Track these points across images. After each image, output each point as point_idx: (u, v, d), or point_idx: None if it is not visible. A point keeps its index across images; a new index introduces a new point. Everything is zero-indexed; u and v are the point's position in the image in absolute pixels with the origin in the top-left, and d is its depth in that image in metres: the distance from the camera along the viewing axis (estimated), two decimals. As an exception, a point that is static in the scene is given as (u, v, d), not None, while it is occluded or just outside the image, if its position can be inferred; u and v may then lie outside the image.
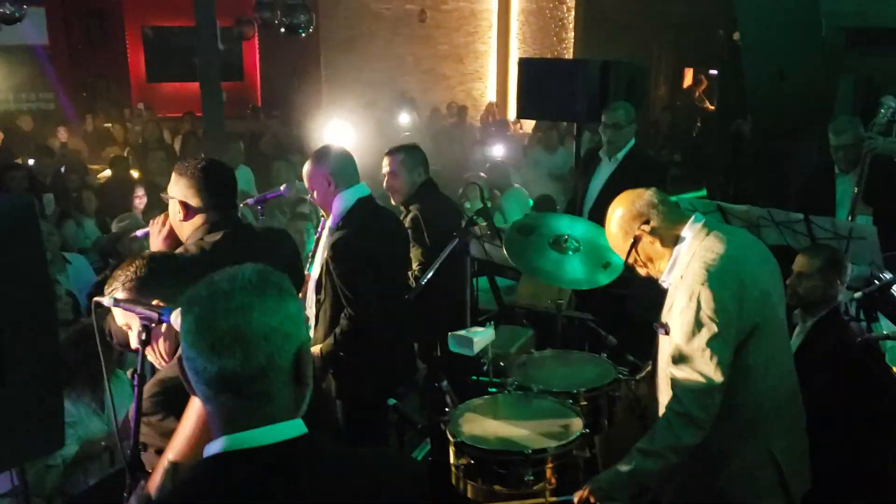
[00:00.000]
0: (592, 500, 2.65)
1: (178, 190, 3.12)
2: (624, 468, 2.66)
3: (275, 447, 1.42)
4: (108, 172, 9.32)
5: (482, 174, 8.05)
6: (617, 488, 2.64)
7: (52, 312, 1.93)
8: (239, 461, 1.41)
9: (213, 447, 1.44)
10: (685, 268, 2.71)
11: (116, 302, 2.26)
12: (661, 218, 2.77)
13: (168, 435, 2.11)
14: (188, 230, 3.13)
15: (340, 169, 3.70)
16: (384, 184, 4.42)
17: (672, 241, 2.77)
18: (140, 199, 7.64)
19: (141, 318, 2.18)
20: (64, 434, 1.91)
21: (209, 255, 2.99)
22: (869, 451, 3.69)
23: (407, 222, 4.21)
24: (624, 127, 5.21)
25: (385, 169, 4.39)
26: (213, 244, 3.03)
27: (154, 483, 1.86)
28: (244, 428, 1.42)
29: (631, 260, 2.86)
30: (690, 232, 2.75)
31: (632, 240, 2.80)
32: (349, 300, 3.56)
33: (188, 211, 3.10)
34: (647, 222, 2.77)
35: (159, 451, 2.07)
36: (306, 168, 3.77)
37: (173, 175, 3.14)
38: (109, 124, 13.29)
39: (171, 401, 2.08)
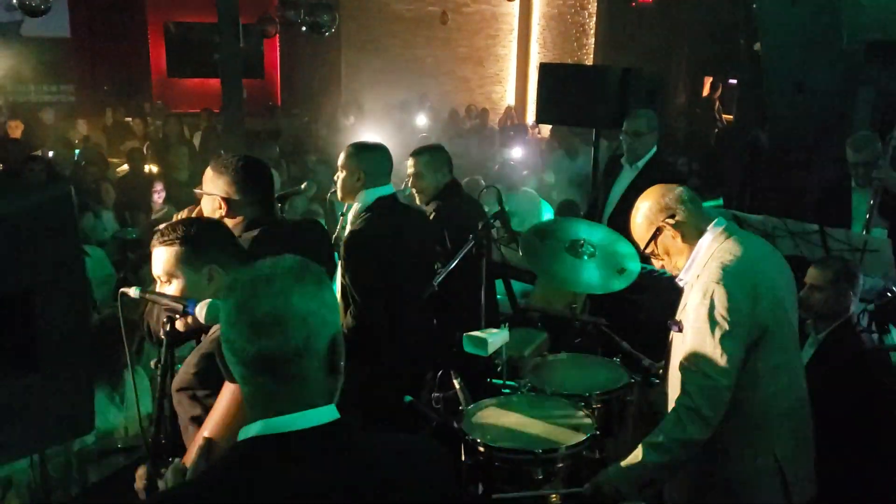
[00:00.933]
0: (603, 491, 2.70)
1: (219, 186, 3.11)
2: (632, 461, 2.72)
3: (309, 432, 1.46)
4: (126, 167, 9.42)
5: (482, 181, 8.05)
6: (624, 481, 2.70)
7: (86, 301, 1.98)
8: (274, 445, 1.45)
9: (249, 430, 1.48)
10: (702, 267, 2.77)
11: (143, 294, 2.32)
12: (686, 214, 2.84)
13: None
14: (229, 226, 3.09)
15: (370, 166, 3.76)
16: (409, 184, 4.45)
17: (693, 239, 2.84)
18: (159, 194, 7.73)
19: (166, 310, 2.23)
20: (94, 418, 1.96)
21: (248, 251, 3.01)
22: (878, 462, 3.71)
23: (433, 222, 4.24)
24: (645, 135, 5.22)
25: (410, 170, 4.42)
26: (252, 239, 3.03)
27: (190, 458, 1.90)
28: (280, 412, 1.46)
29: (649, 250, 2.93)
30: (711, 234, 2.82)
31: (654, 230, 2.87)
32: (353, 299, 3.61)
33: (230, 207, 3.09)
34: (672, 216, 2.84)
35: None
36: (343, 154, 3.85)
37: (211, 172, 3.13)
38: (129, 118, 13.40)
39: (213, 374, 2.12)
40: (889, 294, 4.10)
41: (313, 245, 3.41)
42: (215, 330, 2.28)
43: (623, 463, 2.74)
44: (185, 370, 2.23)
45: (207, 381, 2.11)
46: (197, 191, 3.20)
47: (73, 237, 1.93)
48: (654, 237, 2.88)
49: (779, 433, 2.83)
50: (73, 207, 1.98)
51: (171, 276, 2.32)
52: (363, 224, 3.68)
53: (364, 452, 1.53)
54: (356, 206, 3.78)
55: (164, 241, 2.32)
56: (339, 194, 3.87)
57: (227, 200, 3.09)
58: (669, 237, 2.86)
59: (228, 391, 1.89)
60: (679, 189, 2.91)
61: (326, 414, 1.50)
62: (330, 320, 1.51)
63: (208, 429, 1.92)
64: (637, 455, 2.71)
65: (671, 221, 2.84)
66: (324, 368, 1.50)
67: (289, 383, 1.47)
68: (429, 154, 4.41)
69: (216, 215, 3.10)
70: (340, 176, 3.83)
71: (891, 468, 3.72)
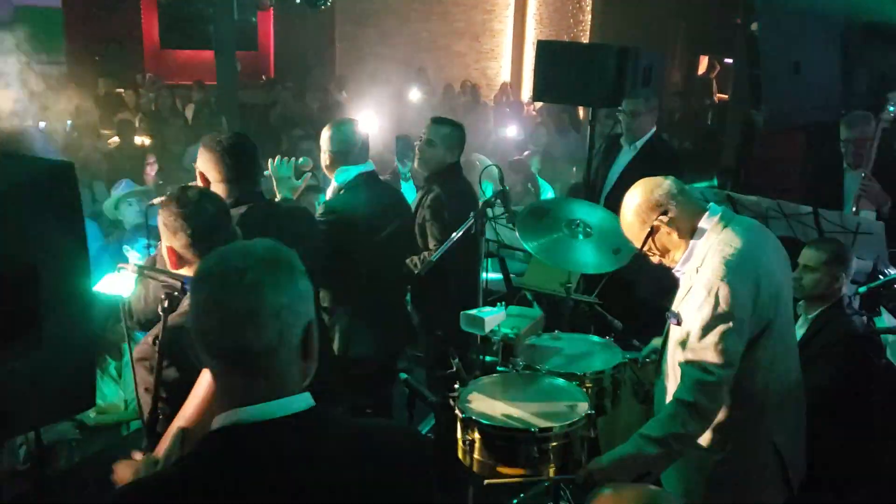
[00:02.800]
0: (596, 479, 2.69)
1: (202, 162, 3.20)
2: (627, 451, 2.71)
3: (284, 421, 1.44)
4: (116, 139, 9.36)
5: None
6: (619, 471, 2.69)
7: (88, 276, 1.98)
8: (248, 435, 1.43)
9: (222, 420, 1.45)
10: (701, 260, 2.74)
11: (141, 270, 2.33)
12: (679, 209, 2.78)
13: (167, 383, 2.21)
14: None
15: (339, 145, 3.82)
16: (417, 147, 4.43)
17: (688, 232, 2.80)
18: (151, 167, 7.70)
19: (164, 286, 2.24)
20: (95, 394, 1.97)
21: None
22: (866, 442, 3.76)
23: (428, 200, 4.24)
24: (642, 115, 5.23)
25: (424, 134, 4.38)
26: (239, 216, 3.07)
27: (162, 448, 1.91)
28: (253, 401, 1.44)
29: (646, 249, 2.88)
30: (707, 224, 2.78)
31: (648, 230, 2.81)
32: (323, 276, 3.63)
33: (209, 184, 3.17)
34: (665, 213, 2.78)
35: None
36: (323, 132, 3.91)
37: (201, 148, 3.21)
38: (121, 90, 13.27)
39: (173, 346, 2.15)
40: (881, 276, 4.14)
41: (297, 227, 3.42)
42: (183, 307, 2.31)
43: (617, 452, 2.73)
44: (145, 340, 2.28)
45: (166, 354, 2.16)
46: (195, 164, 3.27)
47: (77, 212, 1.93)
48: (650, 236, 2.83)
49: (777, 420, 2.85)
50: (76, 182, 1.99)
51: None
52: (331, 204, 3.73)
53: (339, 439, 1.51)
54: (333, 183, 3.83)
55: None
56: (319, 170, 3.93)
57: (203, 177, 3.19)
58: (665, 234, 2.81)
59: (205, 381, 1.90)
60: (667, 183, 2.83)
61: (300, 402, 1.48)
62: (303, 311, 1.48)
63: (183, 418, 1.92)
64: (632, 446, 2.71)
65: (665, 219, 2.78)
66: (298, 359, 1.49)
67: (262, 376, 1.45)
68: (450, 128, 4.38)
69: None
70: (321, 153, 3.88)
71: (877, 447, 3.78)
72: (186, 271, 2.43)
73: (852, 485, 3.75)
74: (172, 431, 1.91)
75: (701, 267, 2.73)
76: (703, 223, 2.79)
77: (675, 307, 2.86)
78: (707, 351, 2.66)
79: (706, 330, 2.65)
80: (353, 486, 1.48)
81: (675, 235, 2.80)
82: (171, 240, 2.43)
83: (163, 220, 2.45)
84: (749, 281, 2.67)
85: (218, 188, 3.15)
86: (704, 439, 2.81)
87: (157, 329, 2.23)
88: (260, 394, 1.44)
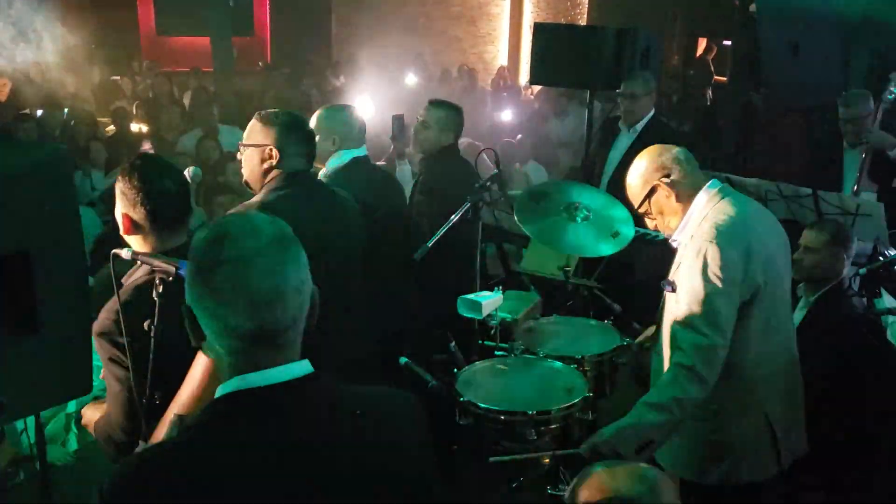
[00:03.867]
0: (600, 451, 2.69)
1: (270, 136, 3.11)
2: (629, 421, 2.72)
3: (286, 385, 1.47)
4: (113, 127, 9.31)
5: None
6: (622, 441, 2.68)
7: (84, 262, 1.98)
8: (252, 400, 1.45)
9: (224, 388, 1.48)
10: (696, 228, 2.78)
11: (135, 255, 2.31)
12: (681, 174, 2.85)
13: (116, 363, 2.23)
14: (271, 177, 3.14)
15: (343, 129, 3.80)
16: (414, 129, 4.40)
17: (687, 199, 2.85)
18: (148, 154, 7.66)
19: (158, 271, 2.22)
20: (92, 378, 1.96)
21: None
22: (865, 423, 3.76)
23: (420, 184, 4.22)
24: (641, 97, 5.18)
25: (420, 116, 4.36)
26: (271, 191, 3.09)
27: (159, 436, 1.89)
28: (258, 369, 1.47)
29: (643, 209, 2.93)
30: (706, 194, 2.83)
31: (649, 189, 2.87)
32: None
33: (281, 156, 3.11)
34: (667, 175, 2.85)
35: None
36: (315, 118, 3.87)
37: (259, 124, 3.14)
38: (118, 77, 13.22)
39: (133, 321, 2.16)
40: (881, 258, 4.13)
41: (335, 214, 3.33)
42: (138, 276, 2.35)
43: (620, 423, 2.73)
44: (104, 316, 2.28)
45: (127, 328, 2.16)
46: (241, 144, 3.21)
47: (71, 197, 1.92)
48: (649, 196, 2.89)
49: (769, 393, 2.86)
50: (70, 167, 1.98)
51: None
52: (333, 182, 3.70)
53: (340, 403, 1.54)
54: (326, 168, 3.78)
55: None
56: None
57: (279, 150, 3.11)
58: (664, 196, 2.87)
59: (200, 366, 1.88)
60: (676, 149, 2.91)
61: (301, 368, 1.51)
62: (311, 281, 1.53)
63: (178, 405, 1.91)
64: (634, 415, 2.72)
65: (666, 181, 2.85)
66: (304, 329, 1.53)
67: (281, 348, 1.48)
68: (445, 110, 4.34)
69: (263, 167, 3.13)
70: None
71: (878, 429, 3.78)
72: (137, 240, 2.46)
73: (847, 465, 3.76)
74: (169, 418, 1.90)
75: (694, 234, 2.77)
76: (703, 193, 2.84)
77: (671, 276, 2.88)
78: (699, 314, 2.68)
79: (697, 293, 2.69)
80: (355, 448, 1.50)
81: (673, 199, 2.86)
82: (128, 209, 2.44)
83: (122, 189, 2.44)
84: (740, 246, 2.69)
85: (280, 162, 3.11)
86: (698, 410, 2.81)
87: (115, 303, 2.24)
88: (269, 362, 1.47)
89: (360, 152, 3.81)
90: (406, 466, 1.58)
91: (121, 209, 2.47)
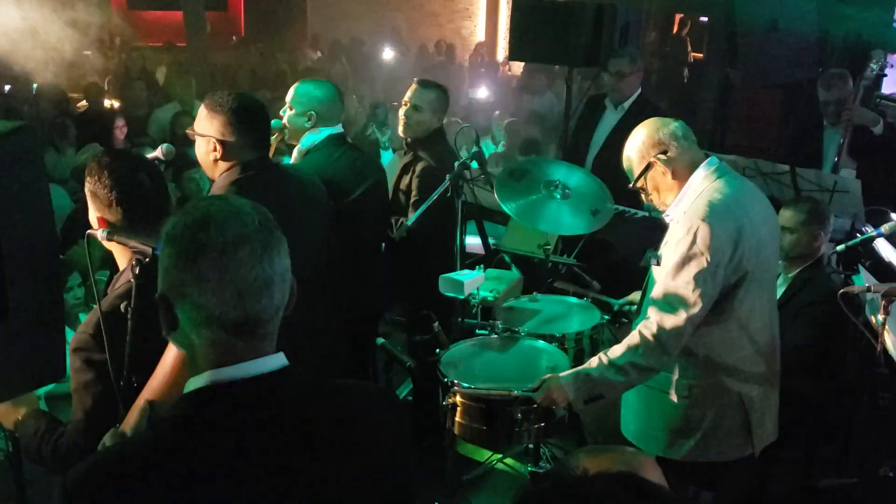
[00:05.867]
0: (552, 395, 2.76)
1: (214, 127, 2.92)
2: (585, 372, 2.76)
3: (260, 379, 1.43)
4: (85, 102, 9.15)
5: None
6: (574, 389, 2.74)
7: (55, 243, 1.91)
8: (227, 394, 1.41)
9: (198, 381, 1.43)
10: (690, 205, 2.77)
11: (110, 235, 2.25)
12: (678, 151, 2.82)
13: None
14: (221, 169, 2.97)
15: (323, 107, 3.70)
16: (402, 111, 4.26)
17: (683, 176, 2.82)
18: (121, 130, 7.55)
19: (134, 252, 2.17)
20: (66, 364, 1.91)
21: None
22: (839, 400, 3.80)
23: (418, 169, 4.10)
24: (628, 75, 5.14)
25: (409, 98, 4.21)
26: (230, 184, 2.90)
27: (129, 422, 1.85)
28: (233, 362, 1.42)
29: (639, 185, 2.91)
30: (703, 172, 2.81)
31: (645, 165, 2.85)
32: None
33: (225, 150, 2.92)
34: (664, 152, 2.82)
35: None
36: (293, 91, 3.78)
37: (205, 111, 2.94)
38: (88, 52, 12.99)
39: (113, 336, 2.04)
40: (858, 235, 4.15)
41: (300, 200, 3.17)
42: (120, 286, 2.22)
43: (576, 371, 2.78)
44: (83, 329, 2.15)
45: (106, 344, 2.02)
46: (189, 131, 3.03)
47: (41, 178, 1.84)
48: (644, 172, 2.86)
49: (747, 374, 2.86)
50: (39, 145, 1.89)
51: None
52: (309, 159, 3.64)
53: (314, 398, 1.51)
54: (300, 145, 3.71)
55: None
56: (286, 132, 3.77)
57: (222, 143, 2.92)
58: (660, 173, 2.84)
59: (172, 354, 1.84)
60: (674, 124, 2.87)
61: (276, 361, 1.47)
62: (291, 270, 1.49)
63: (150, 391, 1.87)
64: (591, 368, 2.76)
65: (662, 157, 2.82)
66: (281, 318, 1.49)
67: (257, 340, 1.44)
68: (437, 93, 4.20)
69: (210, 158, 2.95)
70: (289, 113, 3.73)
71: (852, 402, 3.82)
72: (115, 245, 2.28)
73: (823, 439, 3.80)
74: (139, 405, 1.86)
75: (687, 210, 2.76)
76: (699, 171, 2.82)
77: (660, 250, 2.86)
78: (678, 289, 2.68)
79: (679, 267, 2.68)
80: (330, 444, 1.47)
81: (668, 177, 2.84)
82: (102, 211, 2.28)
83: (92, 189, 2.28)
84: (730, 226, 2.68)
85: (224, 155, 2.93)
86: (671, 384, 2.85)
87: (96, 315, 2.12)
88: (245, 355, 1.43)
89: (336, 130, 3.74)
90: (383, 461, 1.55)
91: (94, 212, 2.30)
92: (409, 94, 4.20)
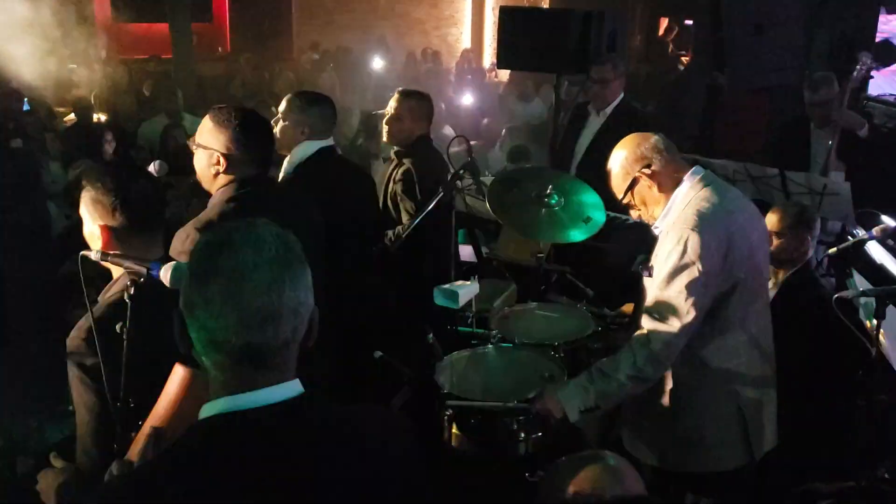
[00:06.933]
0: (546, 406, 2.77)
1: (220, 141, 2.90)
2: (580, 383, 2.77)
3: (275, 407, 1.42)
4: (73, 116, 9.12)
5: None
6: (570, 399, 2.75)
7: (54, 270, 1.91)
8: (241, 422, 1.40)
9: (211, 408, 1.42)
10: (678, 215, 2.77)
11: (104, 256, 2.24)
12: (662, 164, 2.83)
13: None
14: (220, 183, 2.95)
15: (315, 120, 3.72)
16: (384, 121, 4.32)
17: (670, 188, 2.84)
18: (109, 144, 7.51)
19: (129, 273, 2.16)
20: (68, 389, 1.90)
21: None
22: (836, 405, 3.81)
23: (398, 174, 4.17)
24: (611, 82, 5.18)
25: (391, 108, 4.28)
26: (225, 202, 2.88)
27: (136, 450, 1.84)
28: (248, 390, 1.41)
29: (626, 200, 2.92)
30: (688, 182, 2.82)
31: (630, 181, 2.86)
32: None
33: (229, 164, 2.90)
34: (648, 166, 2.83)
35: None
36: (285, 103, 3.78)
37: (211, 124, 2.92)
38: (73, 66, 12.94)
39: (106, 342, 2.06)
40: (850, 238, 4.17)
41: (294, 218, 3.21)
42: (112, 294, 2.24)
43: (571, 383, 2.80)
44: (75, 334, 2.16)
45: (98, 349, 2.05)
46: (190, 142, 3.01)
47: (43, 205, 1.85)
48: (631, 188, 2.87)
49: (744, 381, 2.88)
50: (41, 175, 1.91)
51: None
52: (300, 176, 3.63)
53: (330, 425, 1.50)
54: (291, 158, 3.71)
55: None
56: (277, 143, 3.76)
57: (227, 157, 2.90)
58: (646, 187, 2.86)
59: (177, 379, 1.83)
60: (654, 138, 2.88)
61: (292, 388, 1.46)
62: (310, 302, 1.47)
63: (155, 418, 1.86)
64: (587, 379, 2.77)
65: (647, 172, 2.83)
66: (300, 348, 1.48)
67: (271, 369, 1.43)
68: (416, 100, 4.29)
69: (211, 171, 2.93)
70: (282, 125, 3.72)
71: (847, 409, 3.82)
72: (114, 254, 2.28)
73: (819, 445, 3.80)
74: (145, 431, 1.85)
75: (676, 220, 2.77)
76: (686, 181, 2.83)
77: (651, 261, 2.87)
78: (670, 299, 2.69)
79: (671, 277, 2.69)
80: (344, 471, 1.46)
81: (655, 190, 2.85)
82: (106, 219, 2.30)
83: (93, 198, 2.29)
84: (720, 235, 2.69)
85: (227, 169, 2.90)
86: (670, 397, 2.86)
87: (88, 322, 2.13)
88: (259, 383, 1.42)
89: (327, 143, 3.75)
90: (398, 488, 1.54)
91: (97, 221, 2.31)
92: (390, 103, 4.23)
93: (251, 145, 2.92)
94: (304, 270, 1.45)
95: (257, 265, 1.38)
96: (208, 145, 2.91)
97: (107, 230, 2.30)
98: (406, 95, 4.28)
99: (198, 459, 1.39)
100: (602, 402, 2.76)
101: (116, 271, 2.33)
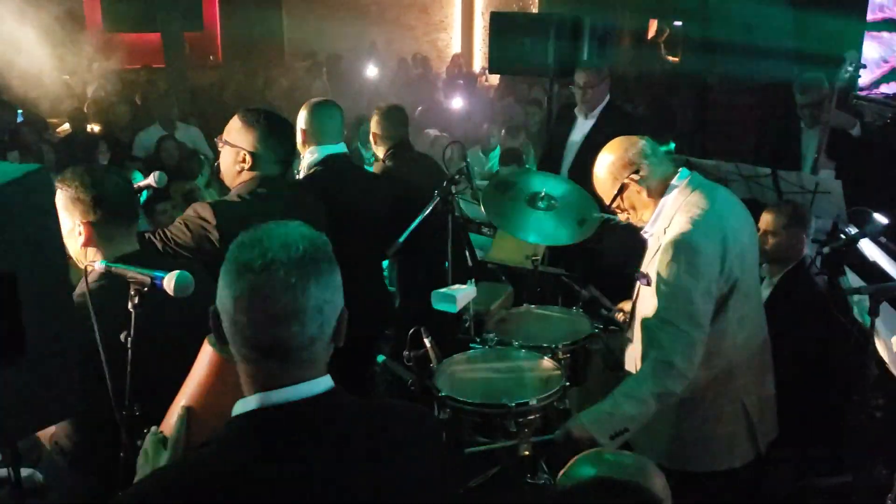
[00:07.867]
0: (574, 436, 2.71)
1: (248, 140, 3.10)
2: (605, 409, 2.73)
3: (309, 402, 1.47)
4: (66, 126, 9.12)
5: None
6: (597, 428, 2.69)
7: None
8: (279, 416, 1.46)
9: (247, 404, 1.48)
10: (669, 221, 2.78)
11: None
12: (650, 169, 2.84)
13: None
14: (242, 179, 3.14)
15: (319, 124, 3.79)
16: (371, 139, 4.51)
17: (658, 192, 2.85)
18: (104, 156, 7.52)
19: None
20: (82, 398, 1.92)
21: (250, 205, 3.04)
22: (831, 400, 3.84)
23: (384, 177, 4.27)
24: (595, 86, 5.23)
25: (373, 128, 4.49)
26: (239, 197, 3.08)
27: (168, 425, 1.87)
28: (281, 385, 1.47)
29: (615, 205, 2.93)
30: (677, 186, 2.83)
31: (619, 186, 2.86)
32: None
33: (255, 162, 3.10)
34: (636, 171, 2.83)
35: None
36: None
37: (239, 124, 3.12)
38: (66, 76, 12.93)
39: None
40: (842, 236, 4.20)
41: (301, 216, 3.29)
42: (79, 289, 2.26)
43: (597, 410, 2.74)
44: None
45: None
46: (218, 140, 3.18)
47: (53, 216, 1.87)
48: (620, 193, 2.88)
49: (745, 379, 2.90)
50: (52, 185, 1.94)
51: None
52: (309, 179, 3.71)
53: (359, 419, 1.55)
54: (306, 161, 3.80)
55: None
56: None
57: (253, 155, 3.10)
58: (635, 192, 2.86)
59: (205, 357, 1.86)
60: (641, 143, 2.89)
61: (323, 383, 1.51)
62: (339, 301, 1.51)
63: (186, 396, 1.89)
64: (611, 404, 2.73)
65: (636, 177, 2.83)
66: (329, 344, 1.52)
67: (299, 365, 1.48)
68: (381, 115, 4.46)
69: (236, 168, 3.13)
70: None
71: (842, 405, 3.86)
72: (94, 252, 2.41)
73: (815, 441, 3.83)
74: (176, 410, 1.87)
75: (668, 227, 2.78)
76: (673, 184, 2.84)
77: (644, 268, 2.89)
78: (677, 309, 2.70)
79: (674, 288, 2.70)
80: (375, 465, 1.52)
81: (644, 194, 2.86)
82: (87, 216, 2.38)
83: (72, 197, 2.38)
84: (716, 240, 2.71)
85: (252, 167, 3.10)
86: (678, 402, 2.85)
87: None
88: (290, 379, 1.47)
89: (337, 149, 3.81)
90: (426, 481, 1.60)
91: (77, 219, 2.39)
92: (372, 123, 4.47)
93: (277, 145, 3.13)
94: (333, 270, 1.50)
95: (283, 264, 1.43)
96: (236, 143, 3.11)
97: (89, 226, 2.39)
98: (381, 114, 4.47)
99: (232, 456, 1.44)
100: (630, 423, 2.72)
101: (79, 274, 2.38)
